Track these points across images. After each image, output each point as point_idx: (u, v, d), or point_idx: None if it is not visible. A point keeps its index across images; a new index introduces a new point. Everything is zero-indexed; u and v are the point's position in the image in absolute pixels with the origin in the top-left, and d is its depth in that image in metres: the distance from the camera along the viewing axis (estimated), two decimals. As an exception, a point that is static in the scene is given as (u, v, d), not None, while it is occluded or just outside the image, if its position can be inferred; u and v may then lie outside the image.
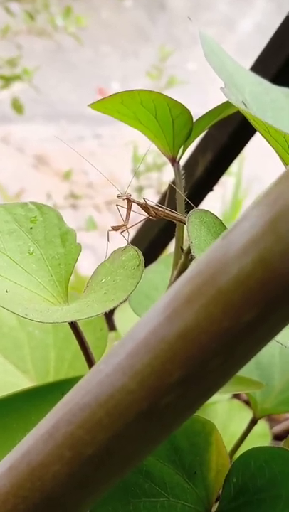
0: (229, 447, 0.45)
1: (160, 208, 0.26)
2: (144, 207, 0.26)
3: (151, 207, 0.26)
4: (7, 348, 0.35)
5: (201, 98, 1.96)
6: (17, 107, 1.10)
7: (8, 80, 1.12)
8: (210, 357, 0.15)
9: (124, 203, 0.26)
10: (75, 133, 1.86)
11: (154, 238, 0.46)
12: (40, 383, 0.34)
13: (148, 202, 0.25)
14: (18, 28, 1.18)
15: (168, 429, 0.16)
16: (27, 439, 0.18)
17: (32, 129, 1.83)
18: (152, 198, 1.22)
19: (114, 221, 1.52)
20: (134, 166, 1.16)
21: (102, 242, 1.49)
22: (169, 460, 0.23)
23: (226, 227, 0.24)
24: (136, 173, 1.12)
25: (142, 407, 0.15)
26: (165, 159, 0.28)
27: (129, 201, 0.26)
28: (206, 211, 0.23)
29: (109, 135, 1.86)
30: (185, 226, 0.26)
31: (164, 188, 1.21)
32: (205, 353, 0.15)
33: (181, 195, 0.26)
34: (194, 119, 0.26)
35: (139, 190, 1.13)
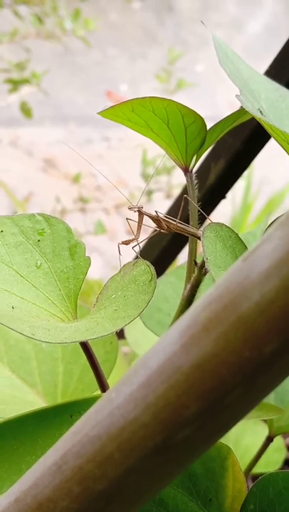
0: (242, 461, 0.44)
1: (172, 221, 0.24)
2: (156, 220, 0.24)
3: (163, 220, 0.24)
4: (14, 361, 0.34)
5: (210, 100, 1.95)
6: (25, 110, 1.10)
7: (16, 84, 1.12)
8: (229, 389, 0.14)
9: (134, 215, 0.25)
10: (83, 136, 1.85)
11: (164, 248, 0.45)
12: (47, 398, 0.33)
13: (160, 215, 0.24)
14: (26, 32, 1.17)
15: (183, 464, 0.15)
16: (34, 469, 0.17)
17: (41, 132, 1.83)
18: (161, 201, 1.21)
19: (122, 224, 1.51)
20: (144, 170, 1.14)
21: (111, 245, 1.48)
22: (183, 487, 0.22)
23: (242, 241, 0.23)
24: (145, 177, 1.11)
25: (155, 441, 0.14)
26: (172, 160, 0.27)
27: (141, 213, 0.25)
28: (221, 225, 0.22)
29: (117, 138, 1.85)
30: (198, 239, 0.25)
31: (174, 191, 1.20)
32: (224, 384, 0.14)
33: (195, 206, 0.25)
34: (203, 118, 0.25)
35: (148, 193, 1.12)
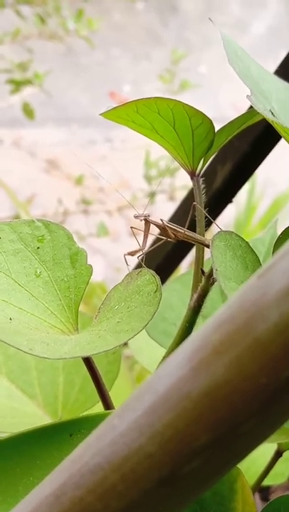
0: (249, 473, 0.43)
1: (179, 230, 0.23)
2: (162, 228, 0.23)
3: (170, 228, 0.23)
4: (13, 371, 0.33)
5: (214, 101, 1.94)
6: (28, 111, 1.09)
7: (19, 84, 1.11)
8: (243, 419, 0.12)
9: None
10: (86, 137, 1.84)
11: (167, 254, 0.44)
12: (47, 409, 0.32)
13: (166, 223, 0.23)
14: (29, 32, 1.16)
15: (192, 497, 0.14)
16: (30, 499, 0.16)
17: (43, 132, 1.82)
18: (164, 203, 1.20)
19: (125, 226, 1.49)
20: (147, 172, 1.13)
21: (113, 246, 1.47)
22: (190, 511, 0.20)
23: (252, 250, 0.22)
24: (148, 179, 1.10)
25: (162, 473, 0.13)
26: (178, 164, 0.26)
27: (147, 222, 0.23)
28: (230, 233, 0.21)
29: (120, 139, 1.84)
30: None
31: (177, 193, 1.19)
32: (237, 414, 0.12)
33: (202, 212, 0.24)
34: (211, 120, 0.24)
35: (151, 196, 1.11)
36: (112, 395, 0.28)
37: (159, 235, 0.24)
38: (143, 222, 0.24)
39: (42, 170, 1.73)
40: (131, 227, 0.24)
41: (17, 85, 1.11)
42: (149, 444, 0.13)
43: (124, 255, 0.24)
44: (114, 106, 0.24)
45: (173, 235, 0.24)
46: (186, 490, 0.14)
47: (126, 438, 0.13)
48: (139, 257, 0.24)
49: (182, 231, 0.23)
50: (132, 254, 0.24)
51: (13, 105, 1.39)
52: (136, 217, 0.24)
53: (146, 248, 0.24)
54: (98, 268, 1.43)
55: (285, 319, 0.12)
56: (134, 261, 0.30)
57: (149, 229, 0.24)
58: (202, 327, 0.13)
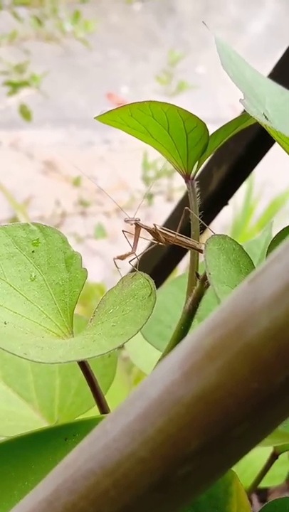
0: (245, 475, 0.43)
1: (171, 234, 0.23)
2: (154, 232, 0.23)
3: (162, 232, 0.23)
4: (10, 374, 0.33)
5: (212, 102, 1.94)
6: (25, 113, 1.09)
7: (16, 86, 1.11)
8: (235, 423, 0.12)
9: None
10: (84, 138, 1.84)
11: (164, 256, 0.44)
12: (44, 413, 0.32)
13: (158, 227, 0.23)
14: (26, 34, 1.16)
15: (185, 501, 0.14)
16: (23, 504, 0.16)
17: (41, 134, 1.82)
18: (162, 204, 1.20)
19: (123, 227, 1.49)
20: (144, 173, 1.13)
21: (112, 248, 1.47)
22: (184, 514, 0.20)
23: (246, 254, 0.22)
24: (146, 181, 1.10)
25: (154, 478, 0.13)
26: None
27: (138, 226, 0.23)
28: (224, 236, 0.21)
29: (118, 140, 1.84)
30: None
31: (175, 194, 1.19)
32: (229, 418, 0.12)
33: (196, 216, 0.24)
34: (205, 123, 0.24)
35: (149, 197, 1.11)
36: (109, 397, 0.28)
37: (152, 239, 0.24)
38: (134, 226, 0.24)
39: (40, 171, 1.73)
40: (123, 231, 0.24)
41: (14, 87, 1.11)
42: (141, 449, 0.13)
43: (114, 259, 0.24)
44: (109, 109, 0.24)
45: (164, 240, 0.24)
46: (179, 495, 0.14)
47: (118, 443, 0.13)
48: (131, 261, 0.24)
49: (174, 235, 0.23)
50: (122, 258, 0.24)
51: (11, 107, 1.39)
52: (126, 221, 0.24)
53: (136, 252, 0.24)
54: (96, 269, 1.43)
55: (275, 324, 0.12)
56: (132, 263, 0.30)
57: (139, 233, 0.24)
58: (194, 331, 0.13)
